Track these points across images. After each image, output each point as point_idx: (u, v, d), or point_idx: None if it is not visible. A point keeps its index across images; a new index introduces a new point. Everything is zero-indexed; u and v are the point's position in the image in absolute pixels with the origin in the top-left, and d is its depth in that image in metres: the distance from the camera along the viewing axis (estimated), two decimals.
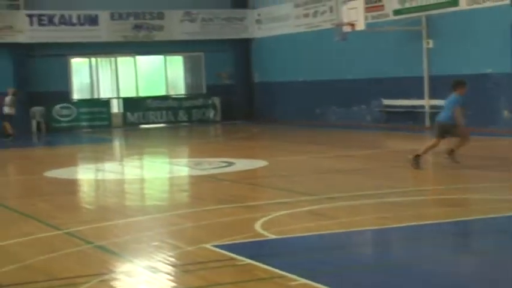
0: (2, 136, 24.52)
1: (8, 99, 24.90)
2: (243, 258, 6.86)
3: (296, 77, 27.81)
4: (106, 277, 6.52)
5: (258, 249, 7.48)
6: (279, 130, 25.35)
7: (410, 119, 22.76)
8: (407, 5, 22.43)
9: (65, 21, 28.55)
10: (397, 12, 22.79)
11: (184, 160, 17.75)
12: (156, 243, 7.85)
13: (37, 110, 28.02)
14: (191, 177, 14.25)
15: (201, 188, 12.53)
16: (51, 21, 28.38)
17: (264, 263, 6.63)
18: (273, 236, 7.93)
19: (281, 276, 6.22)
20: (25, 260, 7.19)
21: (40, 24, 28.29)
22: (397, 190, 10.80)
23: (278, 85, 28.88)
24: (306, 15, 27.06)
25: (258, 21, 29.86)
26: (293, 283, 6.02)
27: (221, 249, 7.28)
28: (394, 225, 8.33)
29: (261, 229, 8.23)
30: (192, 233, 8.45)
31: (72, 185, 13.66)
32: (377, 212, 9.15)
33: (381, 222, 8.51)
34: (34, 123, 27.99)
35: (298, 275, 6.15)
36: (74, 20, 28.66)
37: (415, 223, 8.32)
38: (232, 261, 6.88)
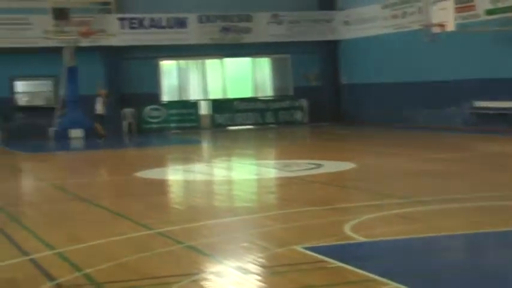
0: (95, 137, 25.13)
1: (99, 100, 25.49)
2: (333, 261, 6.82)
3: (384, 79, 27.52)
4: (197, 277, 6.60)
5: (348, 252, 7.43)
6: (366, 132, 25.14)
7: (503, 121, 22.20)
8: (500, 5, 21.88)
9: (154, 24, 29.06)
10: (489, 12, 22.26)
11: (272, 162, 17.79)
12: (245, 245, 7.90)
13: (128, 111, 28.62)
14: (279, 179, 14.27)
15: (290, 189, 12.54)
16: (141, 25, 28.95)
17: (354, 266, 6.58)
18: (363, 239, 7.86)
19: (372, 280, 6.16)
20: (119, 259, 7.34)
21: (131, 28, 28.89)
22: (490, 194, 10.54)
23: (365, 87, 28.65)
24: (394, 16, 26.75)
25: (346, 23, 29.70)
26: (385, 287, 5.96)
27: (311, 251, 7.26)
28: (489, 230, 8.12)
29: (350, 232, 8.17)
30: (281, 235, 8.46)
31: (162, 186, 13.88)
32: (469, 216, 8.96)
33: (474, 226, 8.33)
34: (125, 125, 28.59)
35: (390, 279, 6.07)
36: (164, 23, 29.14)
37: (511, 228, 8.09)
38: (322, 263, 6.85)
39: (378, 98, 27.79)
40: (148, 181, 14.15)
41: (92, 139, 25.15)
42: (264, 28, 29.75)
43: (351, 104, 29.79)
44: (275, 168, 16.14)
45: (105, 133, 25.22)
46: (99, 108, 25.33)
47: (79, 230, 9.02)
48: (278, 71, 30.98)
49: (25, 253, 7.79)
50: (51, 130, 27.42)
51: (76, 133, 26.32)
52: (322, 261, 6.91)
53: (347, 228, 8.33)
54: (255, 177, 14.97)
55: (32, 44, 27.84)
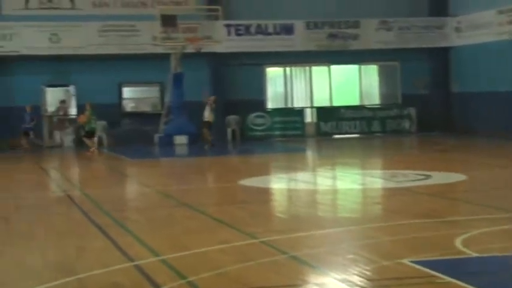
0: (202, 143, 25.42)
1: (207, 107, 25.74)
2: (444, 276, 6.64)
3: (498, 87, 26.75)
4: None
5: (459, 267, 7.22)
6: (478, 142, 24.51)
7: None
8: None
9: (261, 31, 29.26)
10: None
11: (378, 172, 17.57)
12: (351, 256, 7.80)
13: (232, 118, 28.89)
14: (385, 189, 14.07)
15: (396, 201, 12.33)
16: (247, 31, 29.20)
17: (466, 282, 6.38)
18: (475, 254, 7.63)
19: None
20: (222, 267, 7.38)
21: (237, 34, 29.18)
22: None
23: (478, 95, 27.92)
24: (511, 22, 25.98)
25: (458, 29, 29.06)
26: None
27: (420, 265, 7.10)
28: None
29: (462, 246, 7.94)
30: (388, 248, 8.31)
31: (266, 194, 13.91)
32: None
33: None
34: (229, 132, 28.87)
35: None
36: (270, 30, 29.30)
37: None
38: (432, 278, 6.68)
39: (491, 108, 27.02)
40: (252, 189, 14.20)
41: (196, 145, 25.52)
42: (372, 34, 29.48)
43: (462, 113, 29.09)
44: (381, 178, 15.92)
45: (212, 140, 25.51)
46: (207, 115, 25.65)
47: (183, 237, 9.13)
48: (386, 79, 30.62)
49: (130, 258, 7.94)
50: (157, 136, 27.99)
51: (181, 139, 26.76)
52: (432, 276, 6.73)
53: (458, 242, 8.10)
54: (360, 187, 14.81)
55: (139, 50, 28.54)
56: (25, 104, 27.47)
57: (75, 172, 20.32)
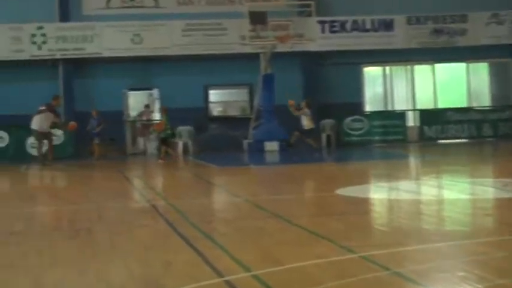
0: (311, 150, 25.55)
1: (303, 117, 25.77)
2: None
3: None
4: None
5: None
6: None
7: None
8: None
9: (357, 27, 29.17)
10: None
11: (489, 180, 17.22)
12: (461, 274, 7.66)
13: (327, 122, 28.86)
14: (498, 199, 13.76)
15: (510, 212, 12.05)
16: (343, 28, 29.15)
17: None
18: None
19: None
20: (319, 284, 7.35)
21: (331, 31, 29.18)
22: None
23: None
24: None
25: None
26: None
27: None
28: None
29: None
30: (502, 265, 8.12)
31: (364, 204, 13.80)
32: None
33: None
34: (324, 137, 28.82)
35: None
36: (368, 26, 29.17)
37: None
38: None
39: None
40: (350, 199, 14.13)
41: (288, 152, 25.59)
42: (481, 29, 28.98)
43: None
44: (492, 187, 15.60)
45: (316, 145, 25.66)
46: (306, 123, 25.75)
47: (275, 251, 9.15)
48: (497, 78, 30.04)
49: (219, 273, 8.00)
50: (245, 142, 28.18)
51: (271, 146, 26.88)
52: None
53: None
54: (469, 197, 14.54)
55: (227, 50, 28.85)
56: (107, 109, 28.14)
57: (159, 181, 20.65)
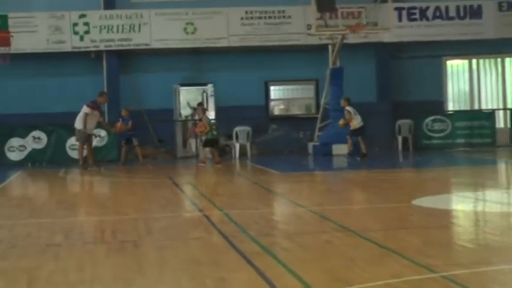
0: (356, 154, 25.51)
1: (349, 110, 25.66)
2: None
3: None
4: None
5: None
6: None
7: None
8: None
9: (440, 15, 28.97)
10: None
11: None
12: None
13: (404, 123, 28.71)
14: None
15: None
16: (423, 15, 28.99)
17: None
18: None
19: None
20: None
21: (410, 20, 29.03)
22: None
23: None
24: None
25: None
26: None
27: None
28: None
29: None
30: None
31: (446, 217, 13.70)
32: None
33: None
34: (400, 140, 28.68)
35: None
36: (452, 13, 28.97)
37: None
38: None
39: None
40: (429, 211, 14.04)
41: (357, 156, 25.53)
42: None
43: None
44: None
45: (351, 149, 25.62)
46: (354, 123, 25.75)
47: (344, 269, 9.14)
48: None
49: None
50: (311, 145, 28.19)
51: (340, 149, 26.82)
52: None
53: None
54: None
55: (290, 41, 28.89)
56: (155, 107, 28.40)
57: (213, 188, 20.75)
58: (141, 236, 12.15)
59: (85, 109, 25.37)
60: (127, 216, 14.73)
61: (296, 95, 30.70)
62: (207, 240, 11.68)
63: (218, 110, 29.91)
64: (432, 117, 29.25)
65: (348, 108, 25.90)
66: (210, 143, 24.93)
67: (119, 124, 26.67)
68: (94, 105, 25.50)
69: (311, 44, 28.63)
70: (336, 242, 11.06)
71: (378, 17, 28.41)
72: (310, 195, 17.95)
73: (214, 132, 25.01)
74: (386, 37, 28.71)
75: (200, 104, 30.13)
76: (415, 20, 29.09)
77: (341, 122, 26.44)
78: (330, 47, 28.10)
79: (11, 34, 28.62)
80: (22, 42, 28.64)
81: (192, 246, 11.21)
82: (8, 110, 29.27)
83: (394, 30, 28.47)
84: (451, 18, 28.92)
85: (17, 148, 28.50)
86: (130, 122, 27.20)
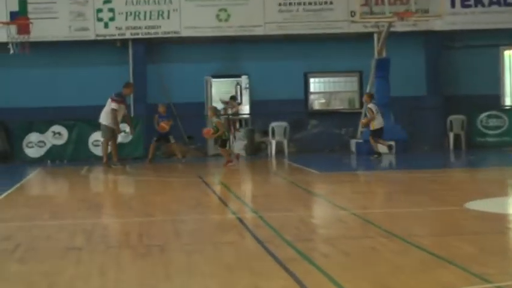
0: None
1: (372, 107, 25.56)
2: None
3: None
4: None
5: None
6: None
7: None
8: None
9: (497, 1, 28.77)
10: None
11: None
12: None
13: (456, 119, 28.58)
14: None
15: None
16: (478, 1, 28.80)
17: None
18: None
19: None
20: None
21: (464, 6, 28.87)
22: None
23: None
24: None
25: None
26: None
27: None
28: None
29: None
30: None
31: (502, 222, 13.62)
32: None
33: None
34: (451, 137, 28.55)
35: None
36: None
37: None
38: None
39: None
40: (483, 215, 13.96)
41: (406, 155, 25.46)
42: None
43: None
44: None
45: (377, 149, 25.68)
46: (374, 122, 25.73)
47: (389, 277, 9.10)
48: None
49: None
50: (354, 142, 28.14)
51: (386, 147, 26.73)
52: None
53: None
54: None
55: (332, 29, 28.85)
56: (185, 100, 28.46)
57: (247, 188, 20.78)
58: (168, 240, 12.17)
59: (112, 105, 25.18)
60: (153, 218, 14.78)
61: (338, 88, 30.63)
62: (240, 244, 11.68)
63: (253, 104, 29.93)
64: (487, 113, 29.10)
65: (371, 105, 25.86)
66: (225, 143, 24.92)
67: (162, 124, 26.65)
68: (120, 99, 25.45)
69: (355, 32, 28.56)
70: (381, 248, 11.02)
71: (429, 3, 28.25)
72: (353, 197, 17.91)
73: (227, 133, 25.02)
74: (438, 25, 28.57)
75: (233, 98, 30.15)
76: (469, 6, 28.89)
77: (364, 120, 26.44)
78: (375, 36, 28.02)
79: (30, 21, 28.80)
80: (42, 29, 28.78)
81: (223, 251, 11.21)
82: (25, 103, 29.43)
83: (446, 17, 28.31)
84: (509, 5, 28.68)
85: (36, 144, 28.65)
86: (171, 118, 27.30)
